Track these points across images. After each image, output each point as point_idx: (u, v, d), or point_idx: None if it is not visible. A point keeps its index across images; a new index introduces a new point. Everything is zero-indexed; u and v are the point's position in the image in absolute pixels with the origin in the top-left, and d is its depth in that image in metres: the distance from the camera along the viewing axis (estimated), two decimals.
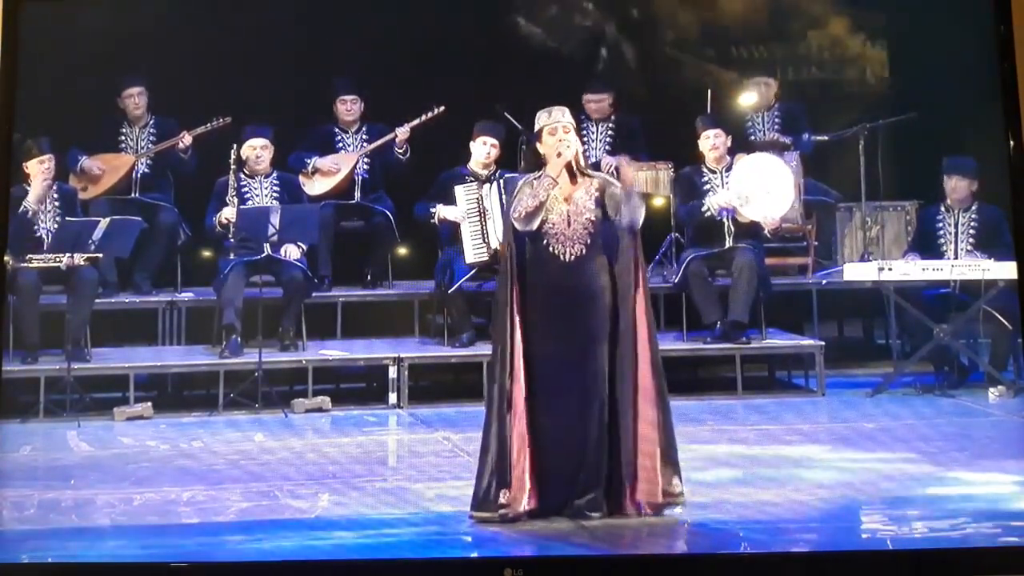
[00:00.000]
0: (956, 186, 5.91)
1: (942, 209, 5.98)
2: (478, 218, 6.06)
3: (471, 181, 6.11)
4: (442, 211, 6.11)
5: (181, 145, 6.23)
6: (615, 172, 4.69)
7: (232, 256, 6.03)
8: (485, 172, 6.13)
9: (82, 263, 5.81)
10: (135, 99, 6.29)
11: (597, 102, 6.33)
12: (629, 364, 4.65)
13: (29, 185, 5.91)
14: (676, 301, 6.05)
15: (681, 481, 4.69)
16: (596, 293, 4.67)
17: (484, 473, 4.66)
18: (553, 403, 4.64)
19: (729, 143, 6.15)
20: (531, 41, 6.51)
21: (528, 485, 4.63)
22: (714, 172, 6.13)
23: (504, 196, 5.92)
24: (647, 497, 4.65)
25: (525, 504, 4.63)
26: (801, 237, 6.27)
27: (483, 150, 6.12)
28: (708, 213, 6.09)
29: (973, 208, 5.91)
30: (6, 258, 5.20)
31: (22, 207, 5.79)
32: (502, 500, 4.62)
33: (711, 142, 6.12)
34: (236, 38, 5.94)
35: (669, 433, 4.69)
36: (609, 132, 6.33)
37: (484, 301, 5.81)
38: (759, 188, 5.99)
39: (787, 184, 6.00)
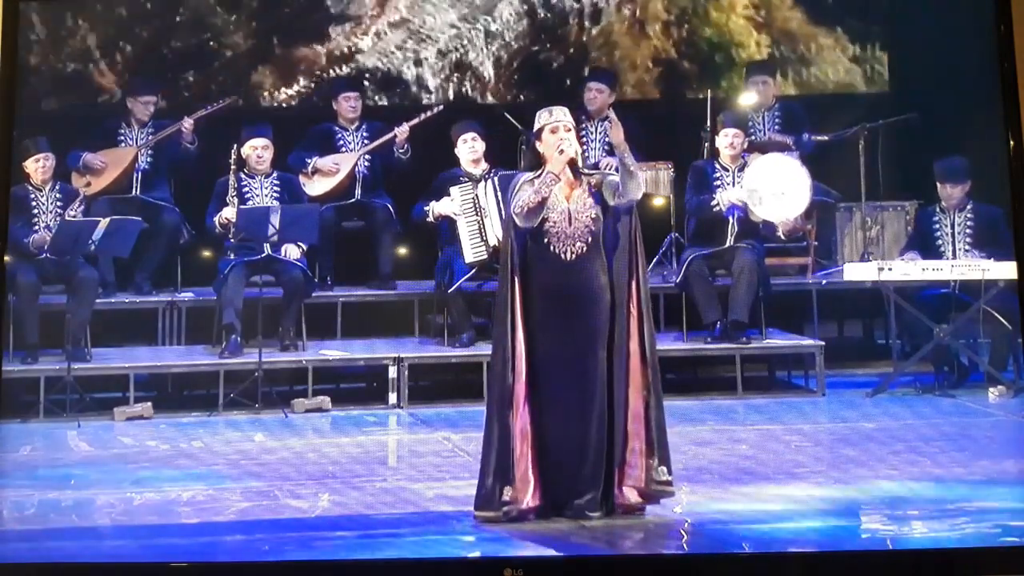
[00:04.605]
0: (950, 193, 5.93)
1: (938, 210, 5.98)
2: (475, 217, 6.06)
3: (466, 181, 6.11)
4: (436, 207, 6.11)
5: (184, 132, 6.23)
6: (608, 126, 4.70)
7: (232, 256, 6.02)
8: (478, 171, 6.12)
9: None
10: (148, 106, 6.30)
11: (598, 91, 6.34)
12: (623, 359, 4.65)
13: (30, 184, 5.93)
14: (676, 301, 6.05)
15: (670, 472, 4.68)
16: (597, 291, 4.67)
17: (487, 472, 4.66)
18: (554, 401, 4.64)
19: (746, 144, 6.17)
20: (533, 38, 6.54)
21: (532, 481, 4.62)
22: (727, 170, 6.14)
23: (500, 194, 5.93)
24: (636, 484, 4.65)
25: (529, 500, 4.62)
26: (801, 237, 6.27)
27: (466, 148, 6.12)
28: (717, 208, 6.10)
29: (968, 208, 5.92)
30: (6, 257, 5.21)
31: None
32: (506, 497, 4.61)
33: (729, 140, 6.14)
34: (235, 35, 5.95)
35: (660, 425, 4.68)
36: (607, 130, 6.33)
37: (484, 301, 5.82)
38: (774, 188, 5.99)
39: (803, 185, 5.99)
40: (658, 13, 6.47)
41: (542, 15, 6.52)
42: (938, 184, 5.96)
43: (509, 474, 4.62)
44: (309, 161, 6.35)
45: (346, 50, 6.51)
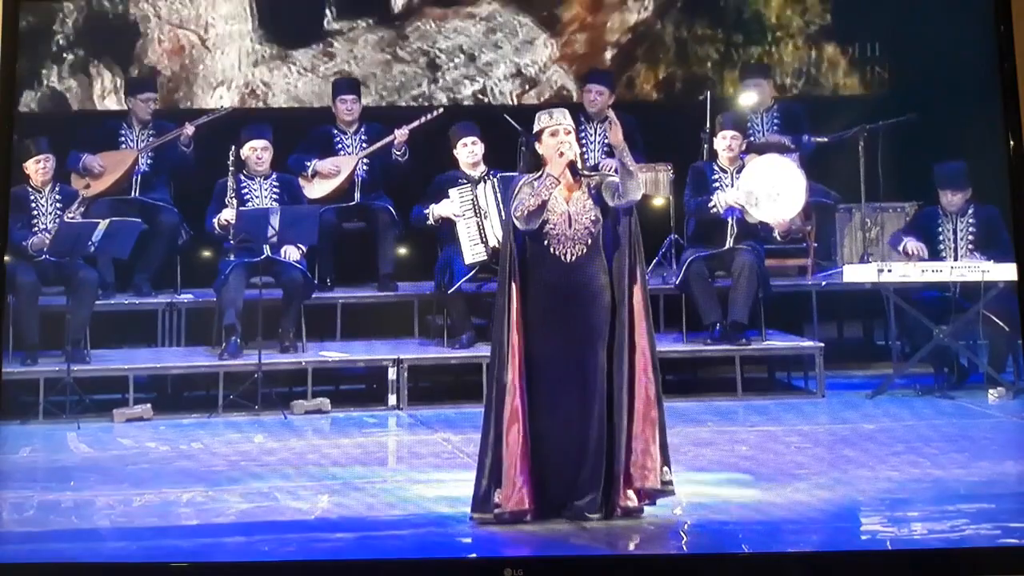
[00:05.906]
0: (951, 200, 5.94)
1: (940, 213, 5.99)
2: (474, 217, 6.06)
3: (464, 183, 6.11)
4: (436, 210, 6.12)
5: (183, 138, 6.24)
6: (608, 127, 4.73)
7: (232, 257, 6.02)
8: (477, 172, 6.12)
9: None
10: (148, 104, 6.31)
11: (599, 93, 6.35)
12: (625, 360, 4.65)
13: (31, 186, 5.93)
14: (676, 302, 6.05)
15: (671, 471, 4.67)
16: (597, 293, 4.67)
17: (483, 474, 4.65)
18: (554, 403, 4.63)
19: (744, 146, 6.17)
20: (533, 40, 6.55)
21: (521, 484, 4.61)
22: (725, 171, 6.15)
23: (499, 194, 5.93)
24: (640, 484, 4.63)
25: (519, 503, 4.61)
26: (801, 238, 6.27)
27: (465, 151, 6.12)
28: (715, 209, 6.10)
29: (969, 212, 5.92)
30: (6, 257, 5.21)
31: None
32: (496, 500, 4.61)
33: (727, 142, 6.14)
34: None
35: (661, 425, 4.68)
36: (606, 132, 6.32)
37: (484, 302, 5.81)
38: (770, 189, 5.99)
39: (798, 185, 6.00)
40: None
41: None
42: (939, 191, 5.96)
43: (500, 476, 4.61)
44: (308, 164, 6.35)
45: None
